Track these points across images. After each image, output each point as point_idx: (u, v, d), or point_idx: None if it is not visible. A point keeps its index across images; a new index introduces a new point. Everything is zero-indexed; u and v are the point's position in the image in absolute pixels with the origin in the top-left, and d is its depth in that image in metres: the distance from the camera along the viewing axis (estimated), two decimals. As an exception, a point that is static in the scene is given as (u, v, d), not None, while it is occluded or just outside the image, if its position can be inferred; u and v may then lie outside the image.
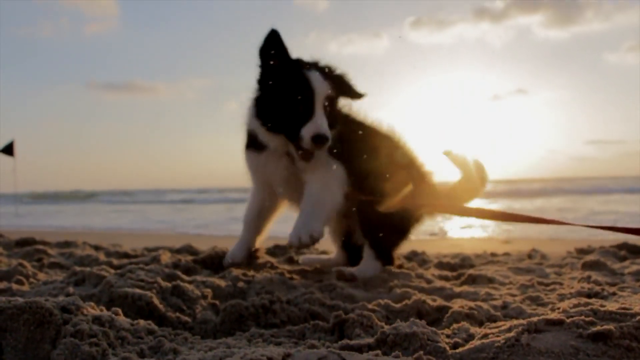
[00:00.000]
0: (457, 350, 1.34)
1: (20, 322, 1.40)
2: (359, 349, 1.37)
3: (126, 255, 3.50)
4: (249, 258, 2.76)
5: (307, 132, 2.20)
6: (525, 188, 27.03)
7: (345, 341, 1.41)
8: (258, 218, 2.74)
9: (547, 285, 2.45)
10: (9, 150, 12.74)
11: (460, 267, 3.18)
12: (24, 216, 13.71)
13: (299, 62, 2.34)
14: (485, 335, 1.39)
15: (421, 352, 1.30)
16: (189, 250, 3.60)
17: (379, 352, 1.33)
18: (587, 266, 2.92)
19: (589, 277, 2.50)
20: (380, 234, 2.57)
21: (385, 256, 2.66)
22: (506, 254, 3.97)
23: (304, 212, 2.39)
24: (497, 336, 1.34)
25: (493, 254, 3.84)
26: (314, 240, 2.31)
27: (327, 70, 2.37)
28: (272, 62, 2.28)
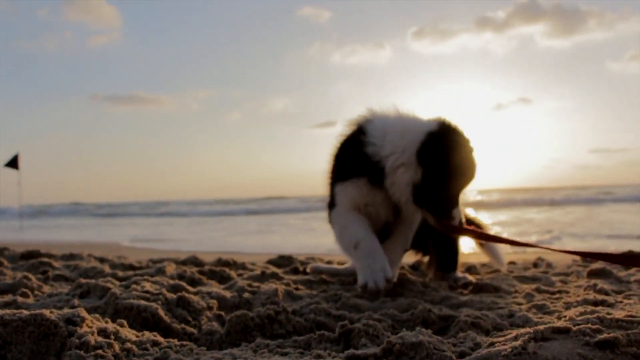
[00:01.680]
0: (464, 359, 1.33)
1: (25, 335, 1.40)
2: (365, 359, 1.36)
3: (131, 267, 3.50)
4: None
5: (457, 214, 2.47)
6: (529, 197, 26.92)
7: (351, 351, 1.41)
8: None
9: (553, 293, 2.45)
10: (13, 163, 12.80)
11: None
12: (28, 229, 13.73)
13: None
14: (492, 344, 1.39)
15: (427, 362, 1.29)
16: (193, 261, 3.61)
17: (385, 361, 1.32)
18: (593, 274, 2.90)
19: (595, 285, 2.49)
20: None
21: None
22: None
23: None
24: (504, 345, 1.33)
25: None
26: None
27: None
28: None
